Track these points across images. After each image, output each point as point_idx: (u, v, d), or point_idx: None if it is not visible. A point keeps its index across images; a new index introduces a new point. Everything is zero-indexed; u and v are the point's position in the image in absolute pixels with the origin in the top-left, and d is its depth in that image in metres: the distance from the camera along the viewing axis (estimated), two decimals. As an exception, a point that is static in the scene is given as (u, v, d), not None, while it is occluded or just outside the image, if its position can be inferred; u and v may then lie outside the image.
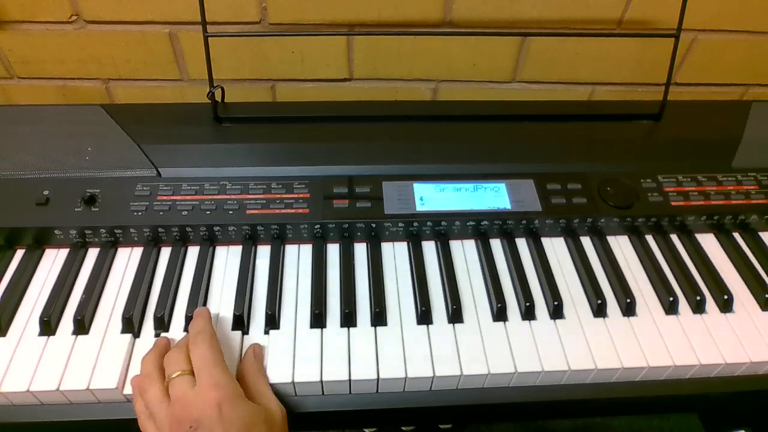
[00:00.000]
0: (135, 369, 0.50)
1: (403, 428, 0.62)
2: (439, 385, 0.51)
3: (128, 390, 0.49)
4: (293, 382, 0.49)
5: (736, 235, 0.63)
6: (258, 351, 0.51)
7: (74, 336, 0.52)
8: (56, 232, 0.58)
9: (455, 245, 0.61)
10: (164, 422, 0.44)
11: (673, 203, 0.62)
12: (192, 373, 0.46)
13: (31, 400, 0.49)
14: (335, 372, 0.50)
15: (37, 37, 0.77)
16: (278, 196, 0.60)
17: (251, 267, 0.58)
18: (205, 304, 0.55)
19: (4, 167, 0.61)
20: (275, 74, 0.83)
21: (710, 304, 0.57)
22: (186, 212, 0.58)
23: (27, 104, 0.84)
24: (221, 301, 0.55)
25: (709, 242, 0.63)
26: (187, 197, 0.59)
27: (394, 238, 0.61)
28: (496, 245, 0.61)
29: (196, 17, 0.65)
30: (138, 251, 0.59)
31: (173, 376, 0.45)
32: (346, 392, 0.51)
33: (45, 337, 0.51)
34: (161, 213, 0.58)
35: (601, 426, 1.01)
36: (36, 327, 0.52)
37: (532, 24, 0.77)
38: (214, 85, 0.67)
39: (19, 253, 0.58)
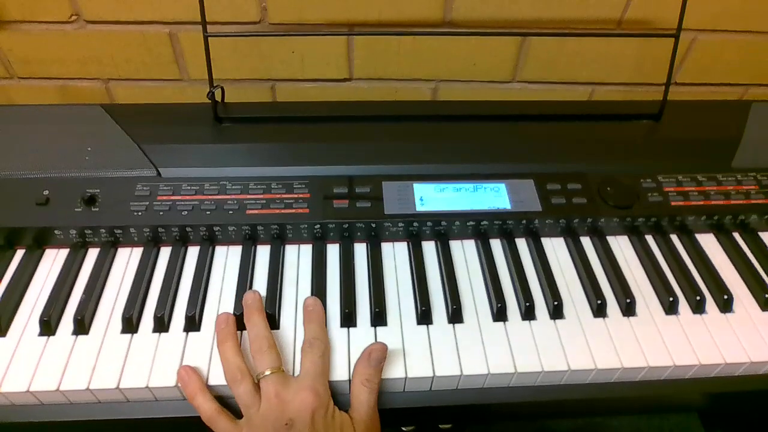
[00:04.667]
0: (134, 369, 0.49)
1: (403, 428, 0.62)
2: (438, 385, 0.51)
3: (127, 387, 0.48)
4: (293, 382, 0.49)
5: (736, 235, 0.63)
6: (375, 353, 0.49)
7: (74, 336, 0.52)
8: (56, 232, 0.58)
9: (455, 245, 0.61)
10: (257, 416, 0.45)
11: (673, 203, 0.62)
12: (281, 370, 0.48)
13: (31, 400, 0.49)
14: (335, 372, 0.50)
15: (37, 37, 0.77)
16: (278, 196, 0.60)
17: (251, 267, 0.58)
18: (204, 304, 0.55)
19: (4, 167, 0.61)
20: (275, 74, 0.83)
21: (710, 304, 0.57)
22: (186, 212, 0.58)
23: (27, 104, 0.84)
24: (221, 301, 0.55)
25: (709, 242, 0.63)
26: (187, 197, 0.59)
27: (394, 238, 0.61)
28: (496, 245, 0.61)
29: (196, 17, 0.65)
30: (138, 251, 0.59)
31: (267, 372, 0.47)
32: (346, 392, 0.50)
33: (45, 337, 0.51)
34: (161, 213, 0.58)
35: (601, 426, 1.01)
36: (36, 327, 0.52)
37: (532, 24, 0.77)
38: (214, 85, 0.67)
39: (19, 253, 0.58)
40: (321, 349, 0.49)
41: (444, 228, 0.60)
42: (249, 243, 0.59)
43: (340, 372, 0.50)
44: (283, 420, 0.45)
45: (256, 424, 0.46)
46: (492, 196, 0.61)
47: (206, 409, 0.47)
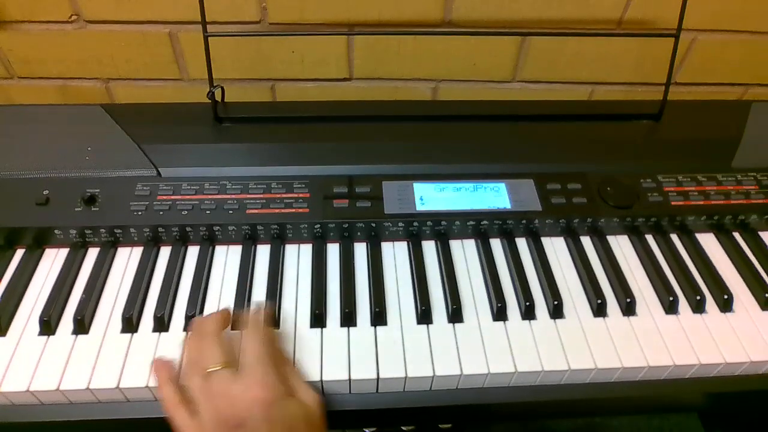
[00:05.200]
0: (134, 369, 0.49)
1: (403, 428, 0.62)
2: (438, 385, 0.51)
3: (127, 387, 0.49)
4: (293, 382, 0.49)
5: (736, 235, 0.63)
6: (269, 334, 0.49)
7: (74, 336, 0.52)
8: (56, 231, 0.58)
9: (455, 245, 0.61)
10: (206, 415, 0.43)
11: (673, 203, 0.62)
12: (230, 365, 0.45)
13: (31, 399, 0.49)
14: (335, 372, 0.50)
15: (37, 37, 0.77)
16: (278, 195, 0.60)
17: (251, 267, 0.58)
18: (204, 303, 0.55)
19: (4, 167, 0.61)
20: (275, 74, 0.83)
21: (710, 303, 0.57)
22: (186, 212, 0.58)
23: (27, 104, 0.84)
24: (221, 301, 0.55)
25: (709, 242, 0.63)
26: (187, 197, 0.59)
27: (394, 238, 0.61)
28: (496, 245, 0.61)
29: (196, 17, 0.65)
30: (138, 251, 0.59)
31: (213, 368, 0.45)
32: (345, 392, 0.51)
33: (45, 337, 0.51)
34: (161, 213, 0.58)
35: (601, 426, 1.01)
36: (36, 327, 0.52)
37: (532, 24, 0.77)
38: (214, 84, 0.67)
39: (19, 253, 0.58)
40: (259, 338, 0.47)
41: (444, 228, 0.60)
42: (249, 243, 0.59)
43: (339, 372, 0.50)
44: (231, 422, 0.42)
45: (205, 420, 0.43)
46: (492, 196, 0.61)
47: (168, 399, 0.45)
